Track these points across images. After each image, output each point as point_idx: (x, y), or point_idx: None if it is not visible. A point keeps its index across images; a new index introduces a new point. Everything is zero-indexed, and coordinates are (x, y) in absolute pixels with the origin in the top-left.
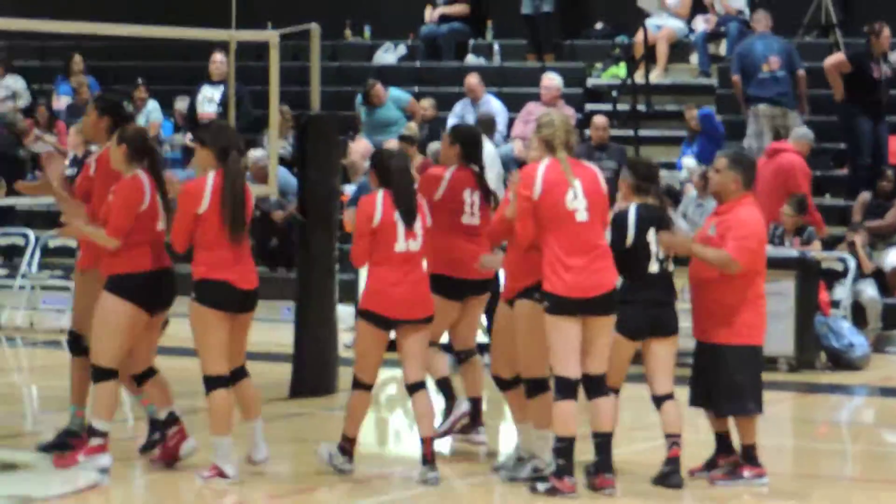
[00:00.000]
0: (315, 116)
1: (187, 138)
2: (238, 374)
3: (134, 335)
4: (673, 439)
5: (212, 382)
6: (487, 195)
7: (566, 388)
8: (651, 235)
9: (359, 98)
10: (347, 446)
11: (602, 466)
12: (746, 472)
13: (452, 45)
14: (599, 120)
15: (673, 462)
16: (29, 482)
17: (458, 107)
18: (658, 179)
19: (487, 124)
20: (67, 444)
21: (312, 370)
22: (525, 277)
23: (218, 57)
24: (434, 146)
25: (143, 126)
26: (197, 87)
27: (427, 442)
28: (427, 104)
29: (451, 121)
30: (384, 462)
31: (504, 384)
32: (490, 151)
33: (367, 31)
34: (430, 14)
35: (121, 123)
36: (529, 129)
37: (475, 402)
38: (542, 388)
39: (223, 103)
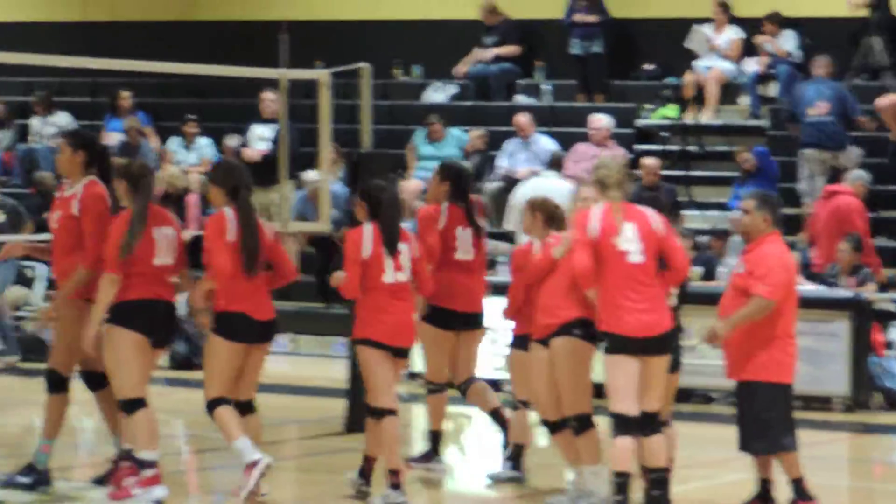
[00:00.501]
0: (366, 154)
1: None
2: (246, 409)
3: (146, 361)
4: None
5: (214, 404)
6: (478, 230)
7: (624, 425)
8: None
9: (417, 134)
10: (395, 481)
11: (660, 501)
12: None
13: (502, 85)
14: (650, 162)
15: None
16: None
17: (509, 145)
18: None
19: (557, 162)
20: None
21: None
22: (562, 315)
23: (268, 95)
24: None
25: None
26: (247, 125)
27: (397, 472)
28: (477, 134)
29: (502, 160)
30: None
31: (552, 427)
32: (562, 189)
33: (416, 70)
34: (480, 54)
35: (96, 158)
36: (579, 168)
37: (436, 434)
38: (589, 424)
39: (274, 141)
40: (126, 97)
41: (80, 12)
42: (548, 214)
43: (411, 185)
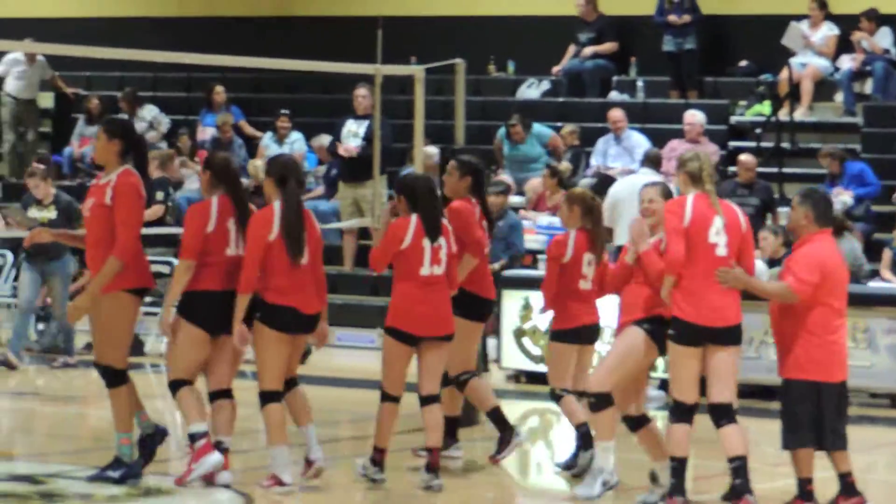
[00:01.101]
0: (460, 150)
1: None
2: (290, 383)
3: (201, 351)
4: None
5: (267, 397)
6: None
7: (682, 412)
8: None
9: (501, 132)
10: (378, 457)
11: (741, 489)
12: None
13: (596, 82)
14: (747, 159)
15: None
16: None
17: (601, 142)
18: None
19: (655, 159)
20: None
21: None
22: (635, 312)
23: (361, 91)
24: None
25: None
26: (340, 121)
27: (434, 452)
28: (568, 130)
29: (596, 158)
30: (527, 493)
31: (633, 423)
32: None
33: (510, 67)
34: (574, 51)
35: (132, 147)
36: (672, 165)
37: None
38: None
39: (367, 137)
40: (220, 92)
41: (175, 8)
42: (585, 207)
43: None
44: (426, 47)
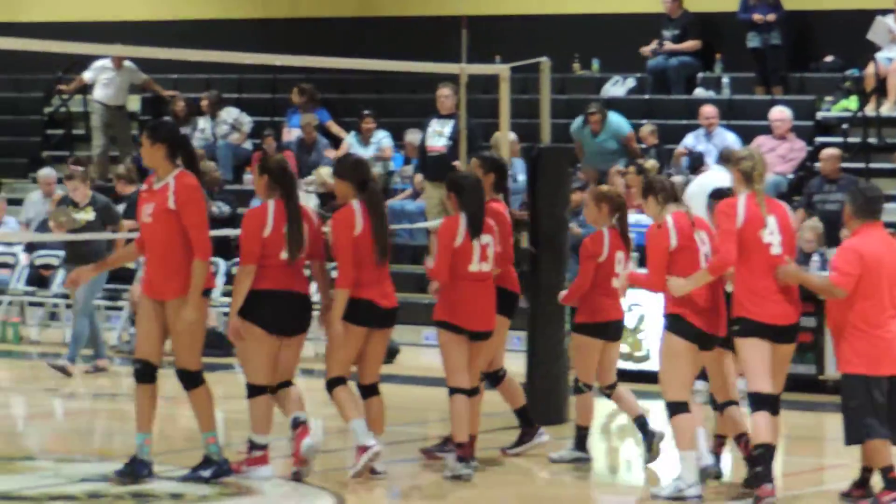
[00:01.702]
0: (545, 149)
1: (417, 175)
2: (371, 391)
3: (270, 352)
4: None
5: (333, 383)
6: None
7: (761, 402)
8: None
9: (577, 122)
10: (462, 453)
11: (762, 476)
12: (885, 498)
13: (682, 79)
14: (832, 153)
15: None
16: None
17: (691, 138)
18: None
19: (727, 157)
20: (135, 473)
21: (544, 399)
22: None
23: (444, 91)
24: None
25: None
26: (426, 121)
27: (472, 440)
28: (648, 130)
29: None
30: (618, 490)
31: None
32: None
33: (595, 65)
34: (654, 46)
35: (178, 149)
36: None
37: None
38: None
39: (452, 137)
40: (306, 91)
41: (261, 9)
42: (614, 206)
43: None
44: (510, 46)
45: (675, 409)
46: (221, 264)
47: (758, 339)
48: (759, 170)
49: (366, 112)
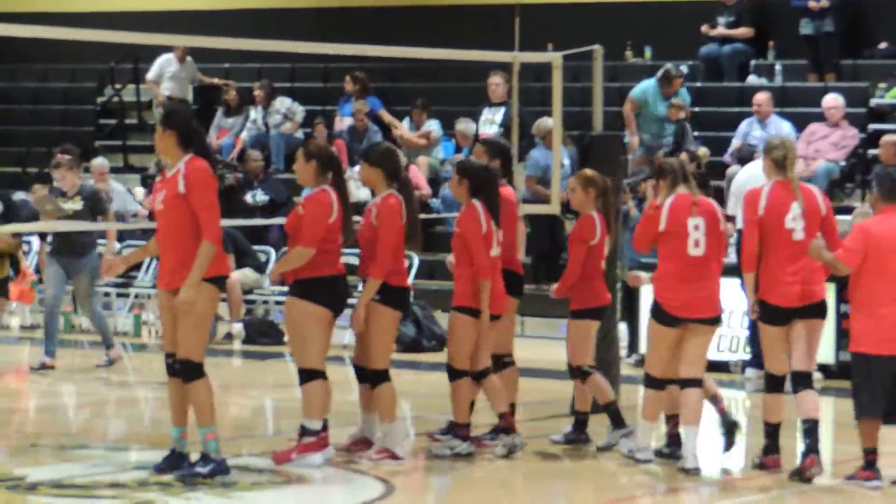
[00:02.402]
0: (598, 137)
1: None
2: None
3: (327, 334)
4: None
5: (382, 376)
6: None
7: (775, 383)
8: None
9: (648, 83)
10: (507, 423)
11: (809, 449)
12: (861, 476)
13: (735, 66)
14: (891, 139)
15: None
16: (316, 494)
17: (744, 124)
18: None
19: None
20: (173, 467)
21: None
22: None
23: (494, 79)
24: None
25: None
26: (478, 109)
27: (464, 427)
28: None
29: (736, 141)
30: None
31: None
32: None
33: (647, 52)
34: (707, 30)
35: (190, 137)
36: (811, 149)
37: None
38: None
39: (503, 124)
40: (358, 78)
41: None
42: (600, 190)
43: None
44: (563, 34)
45: (651, 383)
46: (272, 253)
47: (776, 324)
48: (791, 158)
49: (418, 101)
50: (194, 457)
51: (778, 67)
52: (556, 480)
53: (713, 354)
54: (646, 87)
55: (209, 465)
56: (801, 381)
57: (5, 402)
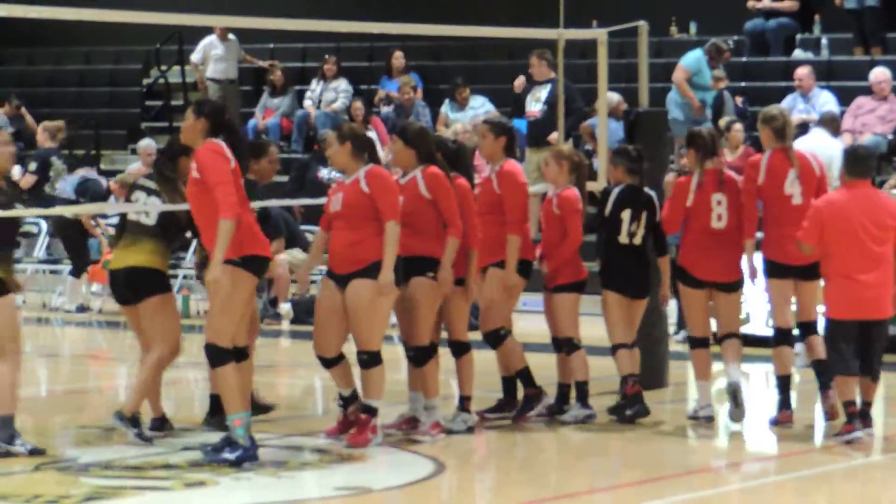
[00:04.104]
0: (644, 113)
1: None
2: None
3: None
4: (633, 378)
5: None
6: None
7: (784, 336)
8: (625, 213)
9: (696, 54)
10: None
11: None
12: (844, 431)
13: (780, 40)
14: None
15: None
16: (366, 473)
17: (788, 100)
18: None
19: (830, 122)
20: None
21: (644, 364)
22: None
23: (534, 61)
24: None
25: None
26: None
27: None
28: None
29: None
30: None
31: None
32: (832, 148)
33: (692, 28)
34: (752, 4)
35: (220, 127)
36: (858, 123)
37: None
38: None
39: (548, 101)
40: (399, 56)
41: None
42: (573, 165)
43: None
44: (608, 10)
45: (695, 344)
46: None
47: (781, 280)
48: (790, 126)
49: (458, 79)
50: (216, 440)
51: (824, 41)
52: (601, 458)
53: (756, 329)
54: (698, 56)
55: (237, 452)
56: (810, 329)
57: (60, 385)
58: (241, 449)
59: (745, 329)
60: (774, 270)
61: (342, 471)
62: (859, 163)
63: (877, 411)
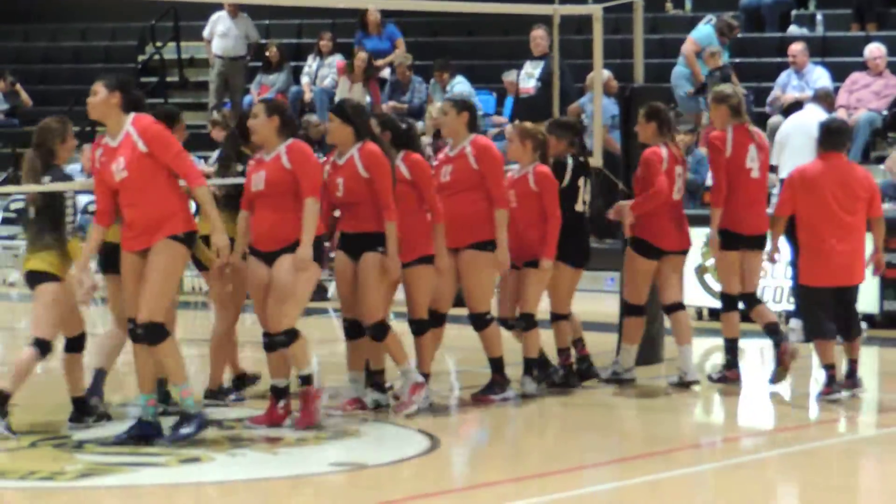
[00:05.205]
0: (639, 89)
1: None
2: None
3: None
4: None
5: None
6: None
7: (732, 302)
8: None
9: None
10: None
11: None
12: (825, 391)
13: (776, 16)
14: None
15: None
16: (361, 449)
17: (783, 76)
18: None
19: (824, 98)
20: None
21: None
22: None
23: (538, 33)
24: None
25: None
26: (519, 63)
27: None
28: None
29: (776, 91)
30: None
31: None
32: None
33: (688, 4)
34: None
35: (133, 101)
36: (853, 98)
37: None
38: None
39: (541, 78)
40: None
41: None
42: (536, 143)
43: None
44: None
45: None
46: None
47: (732, 250)
48: (744, 103)
49: (438, 61)
50: (169, 421)
51: (819, 17)
52: (596, 432)
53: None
54: (708, 32)
55: (192, 424)
56: (752, 299)
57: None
58: (195, 419)
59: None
60: (731, 241)
61: (338, 446)
62: (833, 135)
63: (871, 385)
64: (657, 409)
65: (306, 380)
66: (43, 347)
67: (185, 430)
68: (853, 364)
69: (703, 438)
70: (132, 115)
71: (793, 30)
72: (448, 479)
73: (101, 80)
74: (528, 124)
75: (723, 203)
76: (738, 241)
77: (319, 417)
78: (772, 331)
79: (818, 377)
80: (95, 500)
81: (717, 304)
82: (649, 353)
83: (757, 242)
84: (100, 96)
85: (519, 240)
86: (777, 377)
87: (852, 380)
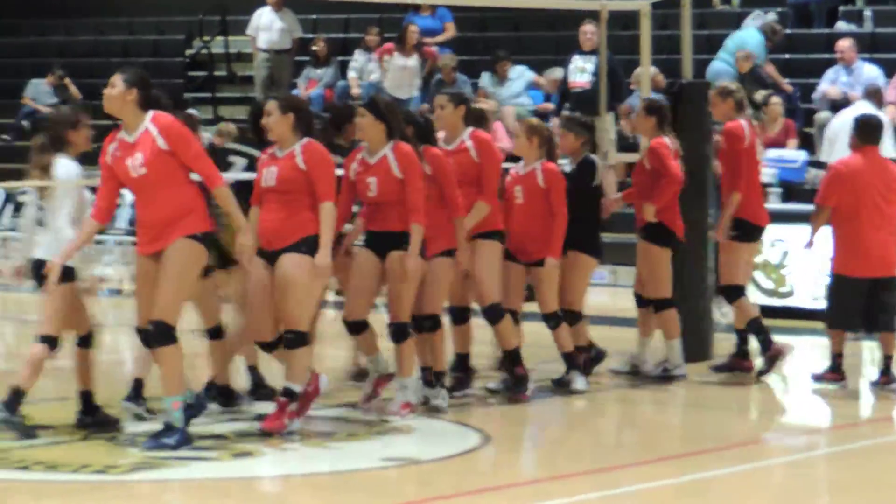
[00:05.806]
0: (687, 84)
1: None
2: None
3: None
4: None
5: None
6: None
7: (737, 291)
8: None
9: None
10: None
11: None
12: (828, 376)
13: (823, 12)
14: None
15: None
16: (413, 444)
17: (831, 72)
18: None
19: (874, 94)
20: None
21: (689, 336)
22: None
23: (588, 28)
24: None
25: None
26: (567, 58)
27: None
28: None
29: (824, 86)
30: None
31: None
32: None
33: (735, 0)
34: None
35: (148, 96)
36: None
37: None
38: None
39: (595, 73)
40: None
41: None
42: (543, 139)
43: None
44: None
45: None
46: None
47: (752, 241)
48: (746, 98)
49: (500, 53)
50: (151, 427)
51: (867, 13)
52: (644, 429)
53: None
54: (761, 40)
55: (175, 436)
56: (734, 292)
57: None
58: (179, 432)
59: (789, 302)
60: (748, 231)
61: (389, 442)
62: (870, 129)
63: None
64: (711, 407)
65: (289, 393)
66: (51, 343)
67: (165, 441)
68: (888, 360)
69: (765, 434)
70: (151, 112)
71: (840, 26)
72: (499, 475)
73: (120, 73)
74: (534, 120)
75: (744, 189)
76: (757, 233)
77: (285, 429)
78: (756, 329)
79: (869, 374)
80: (147, 493)
81: (769, 301)
82: (700, 349)
83: (762, 234)
84: (116, 90)
85: (523, 235)
86: (764, 373)
87: (888, 376)
